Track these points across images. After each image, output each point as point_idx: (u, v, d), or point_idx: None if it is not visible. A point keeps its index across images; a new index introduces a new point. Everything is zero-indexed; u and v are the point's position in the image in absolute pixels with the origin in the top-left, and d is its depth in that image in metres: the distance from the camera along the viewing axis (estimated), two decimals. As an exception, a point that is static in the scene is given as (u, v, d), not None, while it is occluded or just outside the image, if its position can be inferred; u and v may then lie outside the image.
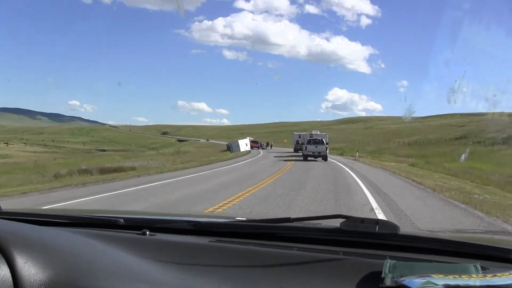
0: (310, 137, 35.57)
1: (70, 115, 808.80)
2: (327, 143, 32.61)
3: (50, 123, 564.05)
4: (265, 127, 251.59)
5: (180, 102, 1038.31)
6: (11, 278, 0.87)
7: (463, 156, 29.59)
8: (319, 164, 26.21)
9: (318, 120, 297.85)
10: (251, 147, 67.11)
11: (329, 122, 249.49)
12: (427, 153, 42.22)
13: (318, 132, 43.69)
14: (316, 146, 31.06)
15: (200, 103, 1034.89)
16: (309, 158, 31.05)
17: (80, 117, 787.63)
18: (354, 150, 63.62)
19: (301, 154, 33.80)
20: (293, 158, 34.08)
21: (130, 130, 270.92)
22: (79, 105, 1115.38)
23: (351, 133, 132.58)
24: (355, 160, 32.59)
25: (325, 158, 30.62)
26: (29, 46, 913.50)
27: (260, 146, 71.42)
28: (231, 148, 61.48)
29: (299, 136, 48.66)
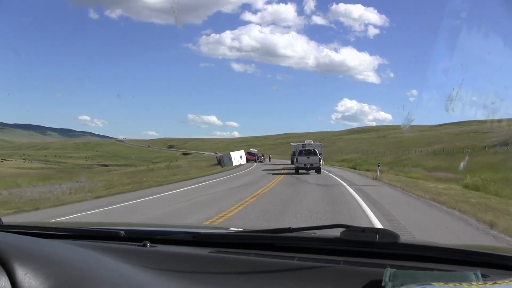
0: (302, 147, 32.82)
1: (80, 130, 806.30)
2: (320, 154, 30.54)
3: (61, 138, 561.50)
4: (273, 138, 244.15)
5: (190, 116, 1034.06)
6: None
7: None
8: (313, 189, 16.11)
9: (328, 130, 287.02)
10: (247, 159, 58.52)
11: (339, 132, 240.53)
12: (466, 163, 32.32)
13: (312, 142, 41.47)
14: (308, 158, 28.17)
15: (210, 116, 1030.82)
16: (300, 171, 28.11)
17: (90, 132, 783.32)
18: (369, 162, 54.00)
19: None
20: (284, 171, 30.76)
21: (148, 146, 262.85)
22: (90, 120, 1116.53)
23: (363, 143, 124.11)
24: (375, 179, 21.71)
25: (318, 170, 28.03)
26: (37, 62, 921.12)
27: (257, 159, 62.02)
28: (222, 161, 52.39)
29: (296, 147, 41.70)
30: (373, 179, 22.37)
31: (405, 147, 77.94)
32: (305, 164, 28.10)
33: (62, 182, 21.29)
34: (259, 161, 61.07)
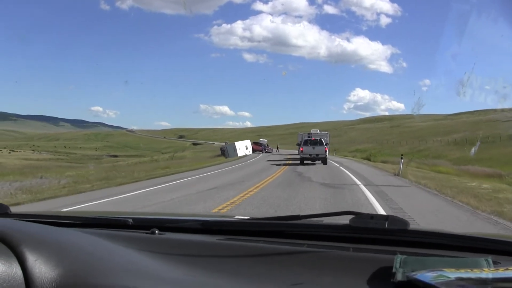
0: (308, 136, 31.35)
1: (93, 121, 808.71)
2: (327, 144, 29.12)
3: (73, 129, 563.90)
4: (285, 128, 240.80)
5: (202, 106, 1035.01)
6: (22, 276, 0.87)
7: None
8: (315, 193, 11.42)
9: (340, 119, 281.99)
10: (253, 150, 55.10)
11: (352, 122, 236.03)
12: (495, 154, 28.59)
13: (318, 131, 40.25)
14: (314, 148, 26.48)
15: (222, 106, 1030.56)
16: (306, 162, 26.57)
17: (103, 123, 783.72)
18: (384, 153, 49.90)
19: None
20: (290, 162, 29.16)
21: (164, 137, 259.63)
22: (102, 111, 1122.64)
23: (376, 133, 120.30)
24: (398, 176, 17.41)
25: (324, 161, 26.51)
26: (50, 54, 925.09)
27: (264, 149, 58.37)
28: (226, 152, 48.95)
29: (302, 137, 39.19)
30: (395, 174, 18.10)
31: (421, 137, 73.95)
32: (310, 155, 26.52)
33: (19, 179, 18.03)
34: (266, 152, 57.70)
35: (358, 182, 14.57)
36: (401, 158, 19.44)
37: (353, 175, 17.74)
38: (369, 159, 37.69)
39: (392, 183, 14.87)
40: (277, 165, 26.79)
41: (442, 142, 56.12)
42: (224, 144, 61.24)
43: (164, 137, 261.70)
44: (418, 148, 54.96)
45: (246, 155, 48.20)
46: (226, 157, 45.48)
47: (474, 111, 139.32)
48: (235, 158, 42.34)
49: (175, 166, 27.59)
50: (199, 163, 31.02)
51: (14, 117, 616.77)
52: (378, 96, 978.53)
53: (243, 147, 51.91)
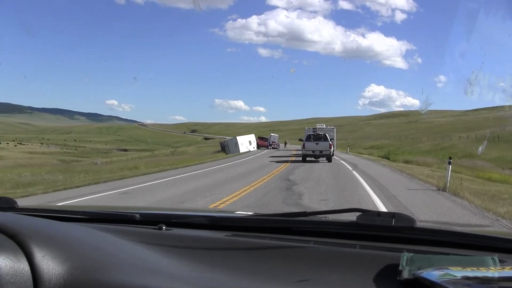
0: (313, 131, 30.18)
1: (108, 114, 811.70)
2: (331, 140, 27.75)
3: (87, 122, 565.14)
4: (298, 123, 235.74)
5: (217, 101, 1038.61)
6: (30, 272, 0.88)
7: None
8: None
9: (355, 115, 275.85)
10: (258, 145, 50.25)
11: (367, 117, 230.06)
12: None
13: (324, 126, 39.23)
14: (317, 144, 25.01)
15: (237, 101, 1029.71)
16: (308, 159, 25.07)
17: (117, 117, 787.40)
18: (404, 151, 44.51)
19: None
20: (293, 159, 27.53)
21: (184, 132, 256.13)
22: (117, 105, 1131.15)
23: (393, 129, 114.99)
24: (444, 191, 11.10)
25: (329, 158, 24.95)
26: (66, 47, 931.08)
27: (270, 145, 53.07)
28: (227, 147, 44.20)
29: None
30: (439, 189, 11.65)
31: (441, 133, 68.21)
32: (313, 151, 24.89)
33: None
34: (272, 147, 52.36)
35: (384, 210, 7.26)
36: (449, 163, 12.38)
37: (373, 190, 11.40)
38: (388, 158, 32.53)
39: (447, 214, 8.11)
40: (276, 162, 24.21)
41: (469, 139, 50.36)
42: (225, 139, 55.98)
43: (185, 132, 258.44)
44: (442, 145, 49.43)
45: (249, 151, 43.84)
46: (227, 153, 41.19)
47: (495, 106, 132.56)
48: (234, 155, 38.02)
49: (152, 165, 22.86)
50: (186, 161, 26.29)
51: (28, 110, 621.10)
52: (393, 92, 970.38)
53: (246, 142, 47.04)
